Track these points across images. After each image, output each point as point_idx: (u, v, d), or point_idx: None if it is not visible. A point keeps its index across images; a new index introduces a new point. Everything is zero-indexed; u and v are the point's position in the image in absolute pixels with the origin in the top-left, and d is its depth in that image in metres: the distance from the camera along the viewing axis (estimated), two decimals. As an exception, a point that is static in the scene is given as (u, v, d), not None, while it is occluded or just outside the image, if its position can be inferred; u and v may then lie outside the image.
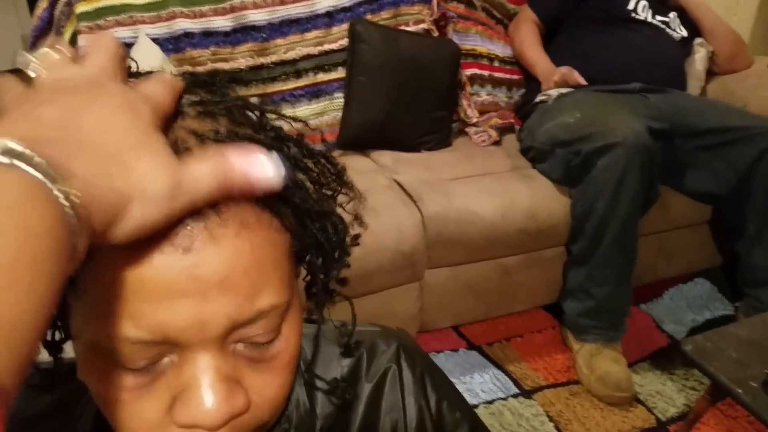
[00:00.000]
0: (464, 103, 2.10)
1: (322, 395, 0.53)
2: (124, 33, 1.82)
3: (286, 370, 0.41)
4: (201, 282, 0.34)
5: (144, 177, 0.30)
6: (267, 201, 0.37)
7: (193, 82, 0.41)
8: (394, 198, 1.74)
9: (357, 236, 0.47)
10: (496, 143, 2.06)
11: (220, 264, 0.35)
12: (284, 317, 0.40)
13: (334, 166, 0.45)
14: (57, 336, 0.44)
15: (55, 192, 0.27)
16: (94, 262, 0.34)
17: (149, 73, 0.41)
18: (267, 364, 0.40)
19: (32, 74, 0.34)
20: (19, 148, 0.27)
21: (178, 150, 0.35)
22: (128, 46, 1.80)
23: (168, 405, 0.37)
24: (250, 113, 0.42)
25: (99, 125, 0.31)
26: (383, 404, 0.55)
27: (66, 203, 0.27)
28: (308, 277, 0.47)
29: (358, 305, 1.78)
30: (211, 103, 0.39)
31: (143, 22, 1.83)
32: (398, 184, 1.81)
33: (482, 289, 1.83)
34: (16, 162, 0.26)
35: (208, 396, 0.36)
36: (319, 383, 0.53)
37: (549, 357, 1.83)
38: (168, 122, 0.36)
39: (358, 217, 0.46)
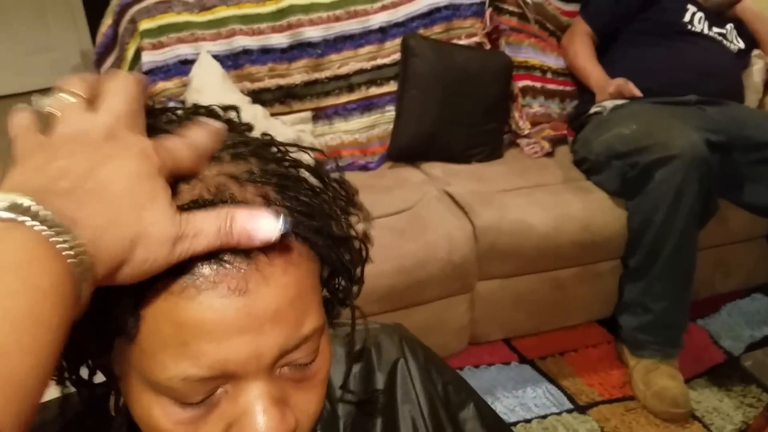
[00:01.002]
0: (516, 114, 2.10)
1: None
2: (185, 50, 1.89)
3: (323, 385, 0.44)
4: (256, 319, 0.37)
5: (150, 226, 0.33)
6: (305, 233, 0.40)
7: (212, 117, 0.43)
8: (445, 209, 1.76)
9: (367, 255, 0.50)
10: (549, 155, 2.05)
11: (271, 300, 0.38)
12: (321, 337, 0.43)
13: (347, 191, 0.48)
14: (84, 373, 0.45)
15: (61, 245, 0.29)
16: (150, 309, 0.37)
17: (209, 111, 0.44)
18: (308, 382, 0.43)
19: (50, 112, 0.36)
20: (26, 202, 0.29)
21: (223, 196, 0.37)
22: (190, 63, 1.87)
23: None
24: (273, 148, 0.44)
25: (111, 177, 0.33)
26: (398, 395, 0.58)
27: (72, 255, 0.30)
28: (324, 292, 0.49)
29: (408, 316, 1.80)
30: (241, 145, 0.41)
31: (204, 39, 1.90)
32: (449, 195, 1.82)
33: (534, 302, 1.82)
34: (22, 218, 0.29)
35: (263, 421, 0.39)
36: (350, 396, 0.57)
37: (604, 372, 1.80)
38: (199, 170, 0.38)
39: (367, 237, 0.49)
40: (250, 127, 0.45)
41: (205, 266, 0.36)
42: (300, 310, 0.40)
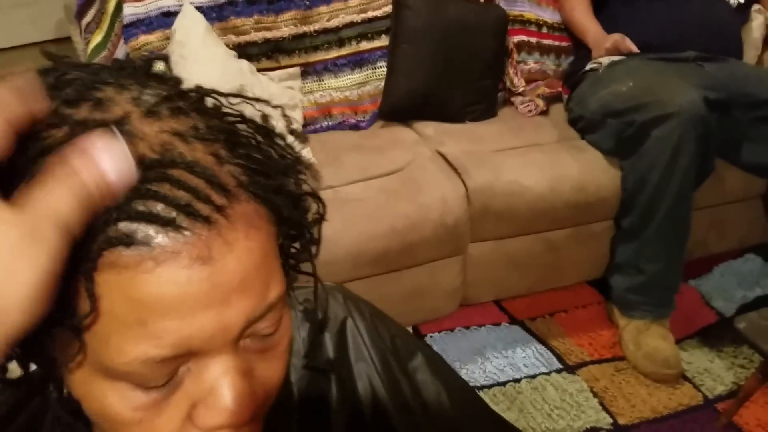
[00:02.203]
0: (511, 71, 2.05)
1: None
2: (168, 1, 1.81)
3: (286, 354, 0.42)
4: (221, 290, 0.34)
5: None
6: (264, 193, 0.37)
7: (142, 72, 0.39)
8: (438, 170, 1.72)
9: (323, 215, 0.46)
10: (544, 113, 2.00)
11: (236, 268, 0.34)
12: (283, 305, 0.39)
13: (292, 147, 0.43)
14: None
15: None
16: (102, 287, 0.32)
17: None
18: (272, 351, 0.40)
19: None
20: None
21: (172, 155, 0.33)
22: (173, 15, 1.80)
23: (186, 413, 0.37)
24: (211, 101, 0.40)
25: None
26: (351, 354, 0.57)
27: None
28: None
29: (400, 278, 1.78)
30: (178, 98, 0.37)
31: (187, -10, 1.82)
32: (442, 155, 1.78)
33: (527, 264, 1.80)
34: None
35: (232, 395, 0.36)
36: (301, 361, 0.55)
37: (594, 333, 1.80)
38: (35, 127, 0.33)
39: (316, 196, 0.44)
40: (179, 80, 0.39)
41: (160, 234, 0.32)
42: (265, 276, 0.37)
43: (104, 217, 0.32)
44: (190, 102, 0.37)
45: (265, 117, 0.42)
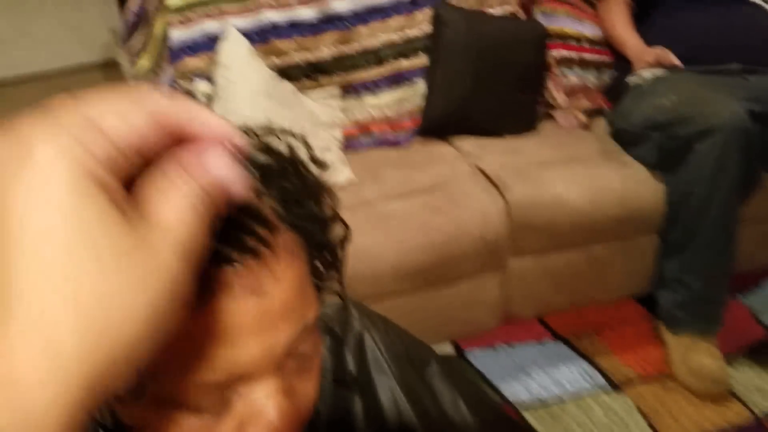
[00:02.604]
0: (551, 85, 2.04)
1: None
2: (212, 25, 1.86)
3: (318, 370, 0.44)
4: (268, 317, 0.36)
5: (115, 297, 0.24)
6: (299, 221, 0.39)
7: None
8: (477, 185, 1.73)
9: (347, 237, 0.47)
10: (585, 127, 1.99)
11: (281, 296, 0.37)
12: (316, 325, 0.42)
13: (316, 174, 0.45)
14: None
15: None
16: None
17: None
18: (306, 370, 0.42)
19: None
20: None
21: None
22: (217, 38, 1.85)
23: None
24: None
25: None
26: (371, 368, 0.59)
27: None
28: None
29: (440, 293, 1.78)
30: None
31: (231, 14, 1.87)
32: (481, 170, 1.79)
33: (569, 279, 1.78)
34: None
35: (277, 415, 0.38)
36: (325, 376, 0.57)
37: (640, 350, 1.76)
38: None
39: (341, 219, 0.46)
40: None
41: (213, 270, 0.34)
42: (303, 300, 0.39)
43: None
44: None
45: (291, 147, 0.43)
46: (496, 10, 2.03)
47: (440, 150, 1.90)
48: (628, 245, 1.78)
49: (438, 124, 1.96)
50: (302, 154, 0.44)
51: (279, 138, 0.43)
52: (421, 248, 1.60)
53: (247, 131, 0.41)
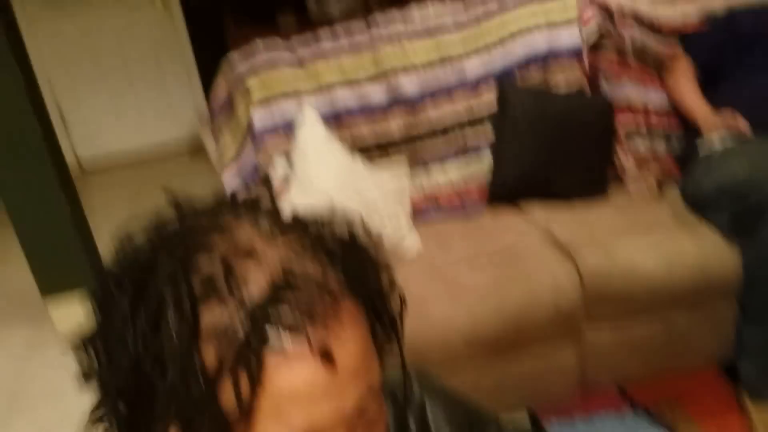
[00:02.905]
0: (620, 154, 2.06)
1: None
2: (290, 107, 2.00)
3: (384, 425, 0.48)
4: (338, 380, 0.41)
5: None
6: (362, 294, 0.44)
7: (249, 203, 0.48)
8: (549, 252, 1.74)
9: (404, 307, 0.51)
10: (656, 194, 1.98)
11: (348, 360, 0.42)
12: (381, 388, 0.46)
13: (374, 250, 0.50)
14: None
15: None
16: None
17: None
18: (373, 428, 0.46)
19: None
20: None
21: (292, 272, 0.42)
22: (293, 119, 1.98)
23: None
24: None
25: None
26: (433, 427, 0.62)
27: None
28: None
29: (514, 362, 1.77)
30: (282, 222, 0.46)
31: (307, 97, 2.00)
32: (552, 238, 1.80)
33: (647, 347, 1.74)
34: None
35: None
36: None
37: (724, 421, 1.68)
38: None
39: (398, 291, 0.51)
40: (279, 209, 0.48)
41: (289, 338, 0.40)
42: (368, 364, 0.44)
43: (252, 329, 0.39)
44: (295, 222, 0.46)
45: (350, 229, 0.49)
46: (562, 84, 2.08)
47: (510, 218, 1.93)
48: (707, 312, 1.73)
49: (506, 193, 2.00)
50: (361, 232, 0.50)
51: (341, 221, 0.49)
52: (493, 316, 1.61)
53: (314, 216, 0.48)
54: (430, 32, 2.07)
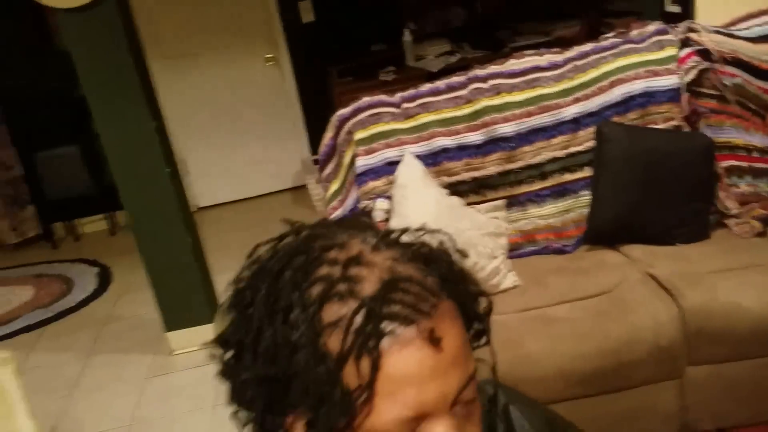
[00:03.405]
0: (722, 194, 2.03)
1: None
2: (392, 153, 2.11)
3: (480, 421, 0.54)
4: (442, 364, 0.48)
5: None
6: (455, 294, 0.52)
7: (358, 224, 0.57)
8: (649, 291, 1.73)
9: (491, 310, 0.58)
10: (760, 234, 1.93)
11: (449, 348, 0.49)
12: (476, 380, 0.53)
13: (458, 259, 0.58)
14: None
15: None
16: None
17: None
18: (471, 418, 0.52)
19: None
20: None
21: (398, 275, 0.50)
22: (395, 163, 2.09)
23: None
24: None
25: None
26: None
27: None
28: None
29: (613, 401, 1.78)
30: (387, 237, 0.55)
31: (408, 143, 2.12)
32: (652, 277, 1.79)
33: (751, 390, 1.68)
34: None
35: None
36: None
37: None
38: None
39: (486, 295, 0.57)
40: (382, 228, 0.57)
41: (401, 327, 0.48)
42: (465, 354, 0.51)
43: (368, 320, 0.48)
44: (395, 238, 0.55)
45: (441, 242, 0.58)
46: (660, 126, 2.09)
47: (607, 257, 1.94)
48: (822, 356, 1.65)
49: (604, 232, 2.01)
50: (450, 246, 0.58)
51: (433, 236, 0.58)
52: (591, 353, 1.62)
53: (410, 230, 0.57)
54: (528, 82, 2.15)
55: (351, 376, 0.47)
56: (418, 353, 0.48)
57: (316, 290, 0.49)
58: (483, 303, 0.57)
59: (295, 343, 0.49)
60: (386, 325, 0.47)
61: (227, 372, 0.55)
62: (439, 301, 0.50)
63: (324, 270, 0.51)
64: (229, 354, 0.55)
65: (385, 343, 0.47)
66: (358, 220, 0.58)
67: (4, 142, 4.24)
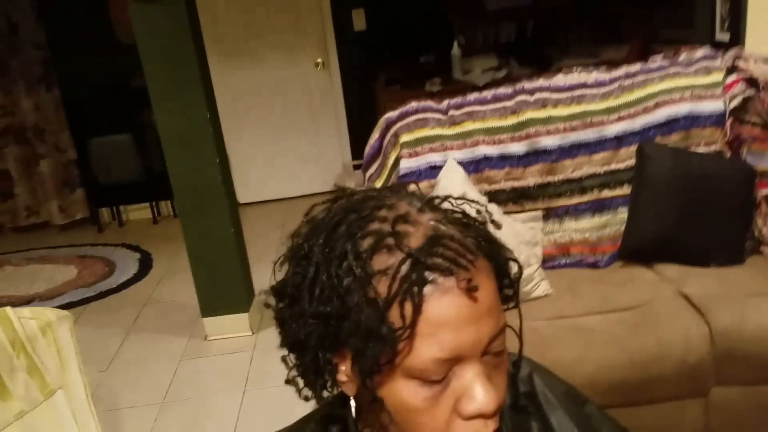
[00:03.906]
0: (759, 221, 2.04)
1: None
2: (435, 157, 2.18)
3: (506, 373, 0.59)
4: (477, 312, 0.54)
5: None
6: (490, 254, 0.58)
7: (404, 190, 0.63)
8: (680, 308, 1.75)
9: (521, 273, 0.63)
10: (798, 263, 1.94)
11: (484, 299, 0.54)
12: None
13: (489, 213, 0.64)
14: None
15: None
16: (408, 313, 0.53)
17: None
18: (499, 369, 0.57)
19: None
20: None
21: (441, 232, 0.56)
22: (438, 168, 2.15)
23: (452, 406, 0.55)
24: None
25: None
26: (542, 402, 0.72)
27: None
28: None
29: (639, 413, 1.81)
30: (431, 202, 0.61)
31: (452, 148, 2.18)
32: (684, 296, 1.81)
33: (781, 415, 1.69)
34: None
35: (486, 390, 0.54)
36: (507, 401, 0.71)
37: None
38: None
39: (516, 260, 0.62)
40: (426, 194, 0.63)
41: (442, 277, 0.53)
42: (497, 308, 0.57)
43: (413, 269, 0.54)
44: (438, 203, 0.61)
45: (478, 211, 0.64)
46: (702, 150, 2.12)
47: (641, 274, 1.96)
48: None
49: (640, 250, 2.03)
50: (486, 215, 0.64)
51: (470, 204, 0.64)
52: (619, 364, 1.65)
53: (451, 198, 0.63)
54: (574, 98, 2.19)
55: (395, 317, 0.53)
56: (456, 300, 0.53)
57: (368, 242, 0.56)
58: (514, 268, 0.62)
59: (348, 287, 0.55)
60: (429, 275, 0.53)
61: (282, 317, 0.62)
62: (476, 258, 0.55)
63: (375, 225, 0.57)
64: (283, 303, 0.61)
65: (427, 290, 0.53)
66: (405, 187, 0.64)
67: (61, 126, 4.43)
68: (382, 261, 0.55)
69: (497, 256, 0.60)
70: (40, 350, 1.35)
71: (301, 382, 0.62)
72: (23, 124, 4.39)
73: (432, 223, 0.57)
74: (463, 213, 0.61)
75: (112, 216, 4.69)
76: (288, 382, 0.63)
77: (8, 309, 1.33)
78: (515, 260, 0.62)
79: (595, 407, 0.76)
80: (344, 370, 0.59)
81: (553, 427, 0.71)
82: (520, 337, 0.65)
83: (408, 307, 0.53)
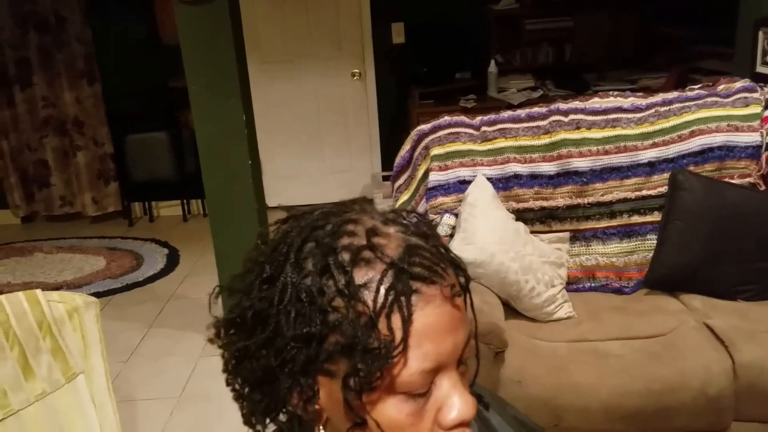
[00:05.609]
0: (790, 257, 2.00)
1: None
2: (465, 172, 2.19)
3: (468, 378, 0.59)
4: (455, 320, 0.54)
5: None
6: (455, 265, 0.58)
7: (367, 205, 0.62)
8: (704, 340, 1.73)
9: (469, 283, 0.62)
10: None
11: (460, 307, 0.55)
12: None
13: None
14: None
15: None
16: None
17: None
18: (465, 376, 0.57)
19: None
20: None
21: (413, 243, 0.56)
22: (467, 183, 2.16)
23: (434, 418, 0.54)
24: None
25: None
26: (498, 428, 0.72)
27: None
28: None
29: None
30: (394, 214, 0.60)
31: (482, 164, 2.19)
32: (709, 327, 1.79)
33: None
34: None
35: (464, 399, 0.55)
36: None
37: None
38: None
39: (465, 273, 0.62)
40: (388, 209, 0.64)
41: (424, 286, 0.54)
42: (466, 317, 0.57)
43: (398, 280, 0.53)
44: (394, 218, 0.60)
45: (426, 222, 0.63)
46: (735, 181, 2.09)
47: (666, 303, 1.94)
48: None
49: (666, 279, 2.01)
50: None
51: (417, 217, 0.62)
52: (636, 392, 1.63)
53: (402, 212, 0.62)
54: (608, 121, 2.18)
55: (384, 330, 0.52)
56: (438, 309, 0.53)
57: (345, 256, 0.54)
58: (466, 276, 0.62)
59: (332, 303, 0.53)
60: (413, 284, 0.53)
61: (243, 351, 0.59)
62: (446, 266, 0.56)
63: (346, 240, 0.56)
64: (241, 335, 0.59)
65: (413, 299, 0.52)
66: (357, 202, 0.63)
67: (100, 120, 4.53)
68: (361, 275, 0.53)
69: (457, 266, 0.59)
70: (65, 334, 1.38)
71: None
72: (64, 117, 4.50)
73: (401, 234, 0.57)
74: (419, 225, 0.61)
75: (143, 211, 4.78)
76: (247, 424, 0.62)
77: (38, 291, 1.36)
78: (465, 269, 0.61)
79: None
80: (325, 395, 0.56)
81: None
82: (475, 338, 0.63)
83: (396, 319, 0.52)
